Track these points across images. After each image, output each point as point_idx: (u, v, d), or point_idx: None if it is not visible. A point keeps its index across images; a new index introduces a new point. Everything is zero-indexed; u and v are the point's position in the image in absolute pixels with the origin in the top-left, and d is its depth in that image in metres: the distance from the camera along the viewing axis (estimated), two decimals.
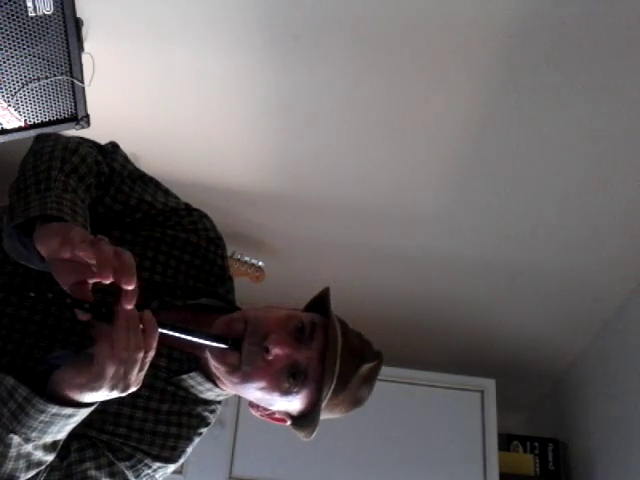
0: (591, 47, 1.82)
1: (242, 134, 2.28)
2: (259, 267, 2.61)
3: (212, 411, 1.10)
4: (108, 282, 0.81)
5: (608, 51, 1.82)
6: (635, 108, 1.98)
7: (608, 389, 2.89)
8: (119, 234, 1.06)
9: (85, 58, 1.93)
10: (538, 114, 2.05)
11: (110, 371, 0.81)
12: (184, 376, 1.04)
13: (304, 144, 2.30)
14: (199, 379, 1.04)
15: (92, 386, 0.82)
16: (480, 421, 2.89)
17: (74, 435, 0.94)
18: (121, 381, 0.82)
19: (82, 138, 1.11)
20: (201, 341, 0.93)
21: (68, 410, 0.84)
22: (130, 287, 0.81)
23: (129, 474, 1.01)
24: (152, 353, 0.84)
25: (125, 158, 1.15)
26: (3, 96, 1.87)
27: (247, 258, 2.59)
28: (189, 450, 1.08)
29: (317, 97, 2.11)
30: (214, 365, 0.99)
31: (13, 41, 1.77)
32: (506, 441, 3.07)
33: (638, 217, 2.36)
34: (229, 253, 2.54)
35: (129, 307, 0.82)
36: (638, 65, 1.85)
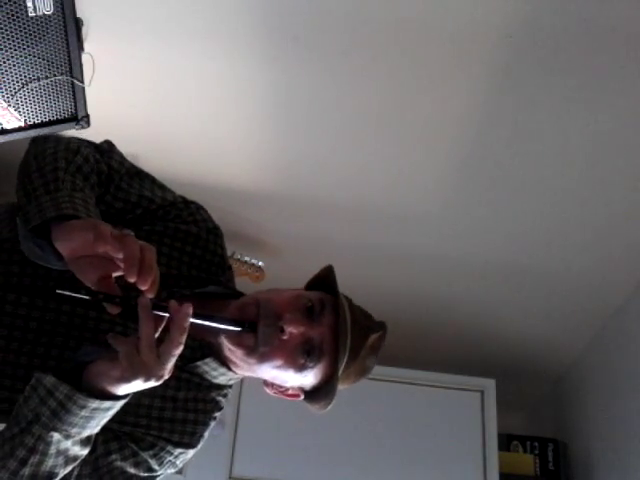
0: (591, 47, 1.82)
1: (241, 134, 2.28)
2: (259, 267, 2.61)
3: (224, 395, 1.14)
4: (133, 280, 0.84)
5: (608, 51, 1.82)
6: (635, 108, 1.98)
7: (608, 389, 2.89)
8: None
9: (85, 58, 1.93)
10: (538, 114, 2.05)
11: (139, 361, 0.84)
12: (199, 362, 1.07)
13: (304, 144, 2.30)
14: (214, 364, 1.07)
15: (128, 377, 0.85)
16: (480, 421, 2.89)
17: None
18: (156, 369, 0.85)
19: (79, 138, 1.12)
20: (219, 326, 0.97)
21: (107, 403, 0.87)
22: (144, 287, 0.84)
23: (152, 462, 1.05)
24: (184, 340, 0.86)
25: (121, 156, 1.16)
26: (3, 96, 1.87)
27: (247, 258, 2.59)
28: (206, 435, 1.11)
29: (316, 97, 2.11)
30: (230, 349, 1.03)
31: (13, 41, 1.77)
32: (506, 441, 3.07)
33: (638, 217, 2.36)
34: (229, 253, 2.54)
35: (150, 296, 0.85)
36: (638, 65, 1.85)
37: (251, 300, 1.05)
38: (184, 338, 0.85)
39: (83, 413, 0.86)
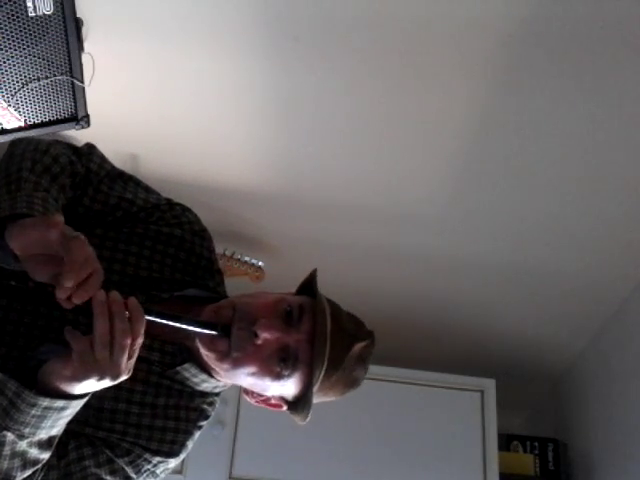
0: (591, 47, 1.82)
1: (242, 134, 2.28)
2: (259, 267, 2.61)
3: (210, 403, 1.10)
4: (69, 285, 0.81)
5: (608, 51, 1.82)
6: (635, 108, 1.98)
7: (608, 389, 2.89)
8: (101, 232, 1.06)
9: (85, 58, 1.93)
10: (537, 114, 2.05)
11: (92, 360, 0.82)
12: (178, 368, 1.04)
13: (304, 144, 2.30)
14: (193, 370, 1.04)
15: (80, 376, 0.83)
16: (480, 421, 2.88)
17: (71, 434, 0.95)
18: (109, 369, 0.83)
19: (56, 140, 1.10)
20: (189, 328, 0.93)
21: (60, 402, 0.85)
22: (77, 301, 0.82)
23: (129, 470, 1.01)
24: (140, 340, 0.85)
25: (102, 158, 1.14)
26: (3, 96, 1.87)
27: (247, 258, 2.58)
28: (189, 444, 1.07)
29: (316, 97, 2.11)
30: (204, 353, 0.99)
31: (13, 41, 1.76)
32: (506, 441, 3.06)
33: (638, 217, 2.36)
34: (229, 253, 2.54)
35: (62, 297, 0.82)
36: (638, 64, 1.85)
37: (227, 303, 1.00)
38: (126, 325, 0.83)
39: (34, 412, 0.84)
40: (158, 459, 1.04)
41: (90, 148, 1.14)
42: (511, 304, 2.95)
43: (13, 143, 1.08)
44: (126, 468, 1.01)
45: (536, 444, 3.05)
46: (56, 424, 0.88)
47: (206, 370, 1.05)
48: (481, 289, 2.87)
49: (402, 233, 2.62)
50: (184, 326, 0.92)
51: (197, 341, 0.98)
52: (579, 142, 2.13)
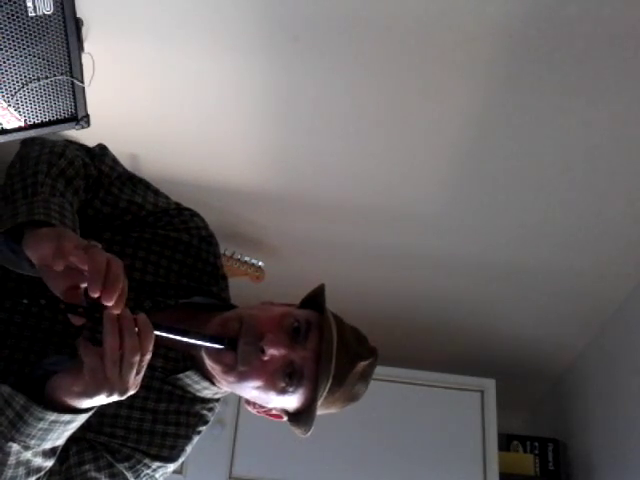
0: (591, 47, 1.82)
1: (242, 134, 2.28)
2: (259, 267, 2.61)
3: (210, 409, 1.10)
4: (96, 295, 0.80)
5: (608, 51, 1.82)
6: (635, 108, 1.98)
7: (608, 389, 2.89)
8: (109, 236, 1.06)
9: (85, 58, 1.93)
10: (538, 114, 2.05)
11: (102, 377, 0.81)
12: (180, 375, 1.04)
13: (304, 144, 2.30)
14: (195, 378, 1.05)
15: (90, 392, 0.83)
16: (480, 421, 2.89)
17: (72, 438, 0.94)
18: (118, 385, 0.82)
19: (69, 141, 1.10)
20: (197, 342, 0.94)
21: (67, 417, 0.85)
22: (109, 303, 0.81)
23: (129, 475, 1.02)
24: (149, 356, 0.85)
25: (114, 160, 1.14)
26: (3, 96, 1.87)
27: (247, 258, 2.58)
28: (188, 449, 1.08)
29: (316, 97, 2.11)
30: (210, 365, 1.00)
31: (13, 41, 1.76)
32: (506, 441, 3.07)
33: (638, 217, 2.36)
34: (229, 253, 2.54)
35: (116, 312, 0.82)
36: (638, 65, 1.85)
37: (235, 316, 1.01)
38: (135, 342, 0.82)
39: (41, 425, 0.84)
40: (157, 464, 1.04)
41: (102, 149, 1.14)
42: (511, 304, 2.95)
43: (25, 143, 1.08)
44: (126, 473, 1.01)
45: (536, 444, 3.06)
46: (62, 436, 0.88)
47: (208, 378, 1.05)
48: (481, 289, 2.87)
49: (402, 233, 2.62)
50: (191, 340, 0.93)
51: (203, 352, 0.99)
52: (579, 142, 2.13)
